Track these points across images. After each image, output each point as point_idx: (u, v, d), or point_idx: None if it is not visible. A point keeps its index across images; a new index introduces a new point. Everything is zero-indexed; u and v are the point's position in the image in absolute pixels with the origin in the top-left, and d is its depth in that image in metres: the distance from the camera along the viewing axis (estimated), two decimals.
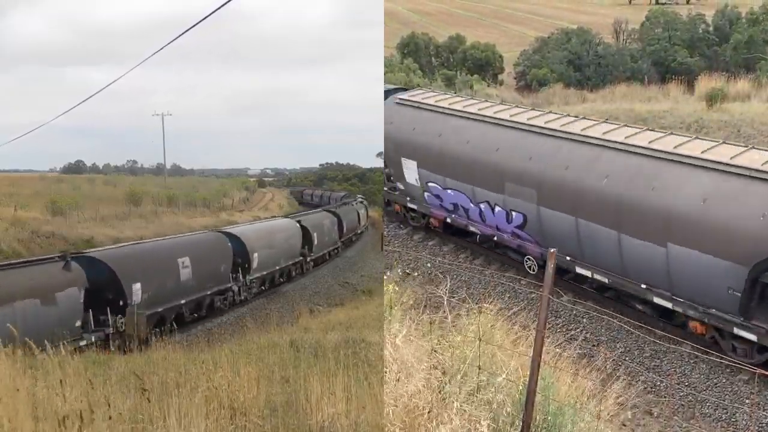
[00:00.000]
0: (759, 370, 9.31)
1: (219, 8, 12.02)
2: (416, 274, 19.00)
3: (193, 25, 13.62)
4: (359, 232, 55.24)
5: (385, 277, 12.85)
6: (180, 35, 14.26)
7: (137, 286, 21.39)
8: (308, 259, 38.10)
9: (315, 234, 39.06)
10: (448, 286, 9.66)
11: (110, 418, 7.17)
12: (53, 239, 35.88)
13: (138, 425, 7.48)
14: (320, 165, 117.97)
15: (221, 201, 65.96)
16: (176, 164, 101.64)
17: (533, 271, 18.97)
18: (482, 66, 52.03)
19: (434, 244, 22.23)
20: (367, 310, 22.17)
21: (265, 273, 32.00)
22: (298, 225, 37.73)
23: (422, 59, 52.37)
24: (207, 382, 9.20)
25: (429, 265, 19.63)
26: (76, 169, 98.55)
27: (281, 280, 34.68)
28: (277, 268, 33.69)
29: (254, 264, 30.57)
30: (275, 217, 45.43)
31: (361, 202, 62.76)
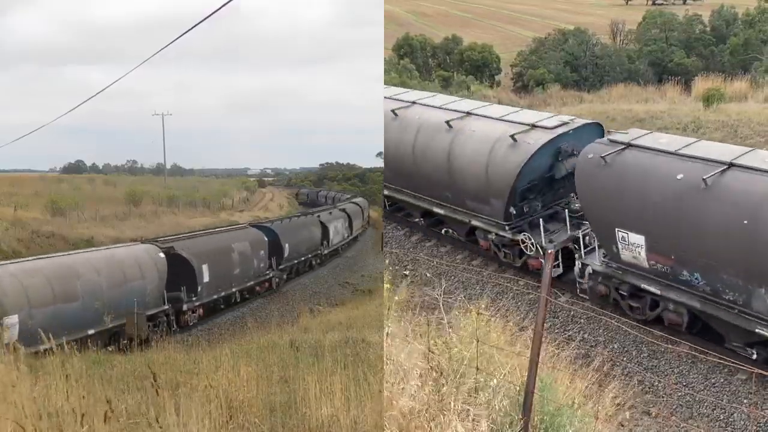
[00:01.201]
0: (757, 370, 9.38)
1: (221, 7, 12.08)
2: (415, 275, 19.09)
3: (196, 24, 13.70)
4: (325, 252, 42.18)
5: (385, 277, 12.92)
6: (183, 34, 14.33)
7: None
8: (184, 307, 25.13)
9: (205, 266, 26.45)
10: (444, 287, 9.72)
11: (110, 417, 7.23)
12: (53, 239, 35.97)
13: (138, 424, 7.55)
14: (320, 165, 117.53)
15: (221, 201, 66.02)
16: (176, 164, 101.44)
17: None
18: (479, 67, 52.10)
19: (432, 246, 22.28)
20: (367, 310, 22.23)
21: (94, 330, 20.17)
22: (161, 255, 24.87)
23: (419, 60, 52.44)
24: (207, 381, 9.29)
25: (427, 265, 19.69)
26: (76, 169, 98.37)
27: (133, 340, 20.79)
28: (98, 329, 20.45)
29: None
30: (134, 242, 28.33)
31: (343, 210, 50.19)
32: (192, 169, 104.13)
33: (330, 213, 46.77)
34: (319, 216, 43.58)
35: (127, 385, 10.75)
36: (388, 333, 9.08)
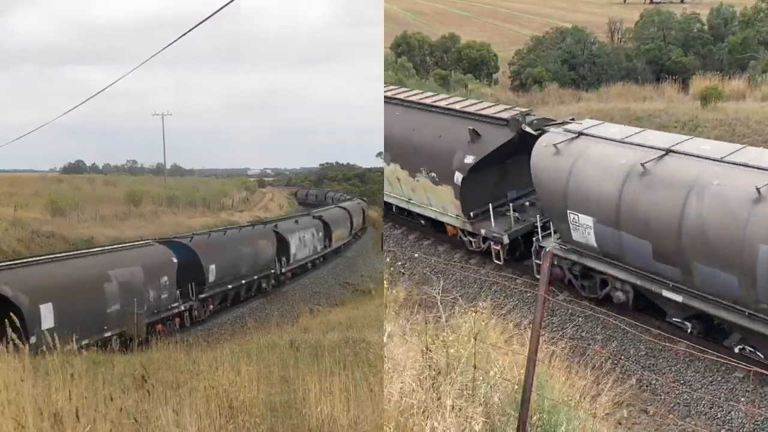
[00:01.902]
0: (754, 368, 9.42)
1: (221, 8, 12.11)
2: (413, 273, 19.15)
3: (197, 25, 13.74)
4: (283, 271, 34.65)
5: (385, 277, 12.99)
6: (183, 35, 14.34)
7: None
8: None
9: (46, 306, 18.64)
10: (442, 285, 9.79)
11: (110, 416, 7.30)
12: (53, 239, 36.02)
13: (138, 424, 7.61)
14: (320, 165, 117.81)
15: (221, 201, 66.11)
16: (176, 164, 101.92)
17: None
18: (477, 65, 52.15)
19: (429, 244, 22.35)
20: (367, 310, 22.27)
21: None
22: None
23: (416, 58, 52.49)
24: (207, 381, 9.34)
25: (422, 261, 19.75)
26: (76, 169, 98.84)
27: None
28: None
29: None
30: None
31: (318, 218, 42.55)
32: (192, 169, 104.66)
33: (296, 222, 39.27)
34: (275, 226, 35.50)
35: (128, 384, 10.80)
36: (387, 332, 9.15)
